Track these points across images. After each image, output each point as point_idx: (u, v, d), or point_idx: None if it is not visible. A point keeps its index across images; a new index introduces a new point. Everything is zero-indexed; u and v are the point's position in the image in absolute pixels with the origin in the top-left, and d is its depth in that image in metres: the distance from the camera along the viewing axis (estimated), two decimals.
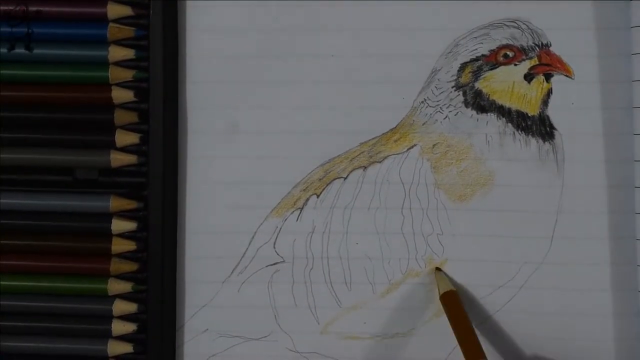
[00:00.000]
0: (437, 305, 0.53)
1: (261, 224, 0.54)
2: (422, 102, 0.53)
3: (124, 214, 0.53)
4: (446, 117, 0.53)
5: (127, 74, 0.53)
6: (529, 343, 0.52)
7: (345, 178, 0.53)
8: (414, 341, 0.53)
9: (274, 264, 0.54)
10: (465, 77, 0.52)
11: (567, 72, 0.52)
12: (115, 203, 0.53)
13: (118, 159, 0.53)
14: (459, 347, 0.50)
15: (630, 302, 0.51)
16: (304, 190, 0.53)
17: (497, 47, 0.52)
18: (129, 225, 0.53)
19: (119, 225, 0.53)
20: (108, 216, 0.53)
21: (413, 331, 0.53)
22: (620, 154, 0.51)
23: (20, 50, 0.52)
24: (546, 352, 0.52)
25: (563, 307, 0.52)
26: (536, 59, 0.52)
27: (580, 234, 0.51)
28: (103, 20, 0.52)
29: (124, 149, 0.53)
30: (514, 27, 0.52)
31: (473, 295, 0.53)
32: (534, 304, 0.52)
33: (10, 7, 0.52)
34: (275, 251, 0.54)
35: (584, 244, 0.52)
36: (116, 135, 0.53)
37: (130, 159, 0.53)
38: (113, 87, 0.53)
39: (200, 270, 0.54)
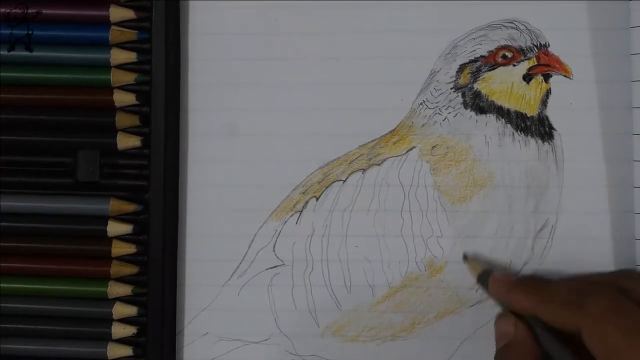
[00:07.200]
0: (438, 307, 0.52)
1: (261, 227, 0.54)
2: (421, 103, 0.53)
3: (121, 217, 0.53)
4: (445, 118, 0.53)
5: (129, 77, 0.53)
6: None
7: (344, 181, 0.53)
8: (414, 344, 0.53)
9: (274, 267, 0.54)
10: (464, 79, 0.52)
11: (566, 73, 0.52)
12: (115, 206, 0.53)
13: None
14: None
15: None
16: (303, 193, 0.53)
17: (495, 48, 0.52)
18: (125, 228, 0.53)
19: (114, 228, 0.53)
20: (108, 219, 0.53)
21: (413, 334, 0.53)
22: (620, 154, 0.51)
23: (20, 52, 0.53)
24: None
25: None
26: (535, 59, 0.52)
27: (580, 234, 0.51)
28: (105, 23, 0.53)
29: (125, 152, 0.53)
30: (512, 27, 0.52)
31: (474, 298, 0.52)
32: None
33: (10, 9, 0.53)
34: (275, 254, 0.54)
35: (583, 244, 0.51)
36: (117, 138, 0.53)
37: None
38: (115, 90, 0.53)
39: (200, 274, 0.54)
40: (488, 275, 0.50)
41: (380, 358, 0.53)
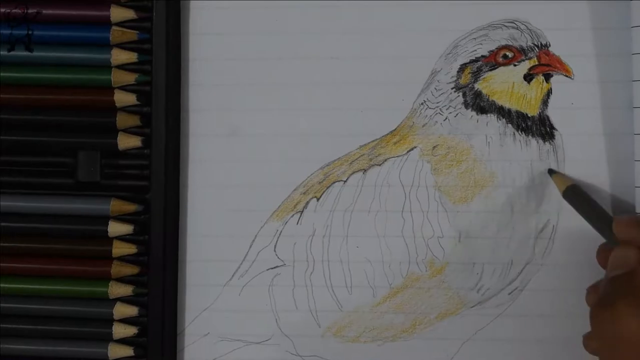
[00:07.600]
0: (439, 308, 0.52)
1: (262, 227, 0.54)
2: (422, 103, 0.53)
3: (122, 217, 0.53)
4: (446, 118, 0.52)
5: (130, 77, 0.53)
6: (531, 346, 0.52)
7: (345, 181, 0.53)
8: (415, 345, 0.53)
9: (275, 267, 0.54)
10: (465, 78, 0.52)
11: (567, 72, 0.52)
12: (116, 206, 0.53)
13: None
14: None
15: None
16: (304, 193, 0.53)
17: (496, 48, 0.52)
18: (126, 228, 0.53)
19: (115, 228, 0.53)
20: (109, 219, 0.53)
21: (414, 335, 0.53)
22: (620, 153, 0.51)
23: (21, 52, 0.53)
24: (548, 353, 0.52)
25: (566, 308, 0.51)
26: (535, 59, 0.52)
27: (582, 234, 0.51)
28: (106, 23, 0.53)
29: (126, 152, 0.53)
30: (513, 27, 0.52)
31: (475, 299, 0.52)
32: (536, 305, 0.52)
33: (10, 9, 0.53)
34: (276, 254, 0.54)
35: (585, 244, 0.51)
36: (118, 138, 0.53)
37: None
38: (115, 90, 0.53)
39: (201, 274, 0.54)
40: (574, 190, 0.50)
41: (381, 359, 0.53)
